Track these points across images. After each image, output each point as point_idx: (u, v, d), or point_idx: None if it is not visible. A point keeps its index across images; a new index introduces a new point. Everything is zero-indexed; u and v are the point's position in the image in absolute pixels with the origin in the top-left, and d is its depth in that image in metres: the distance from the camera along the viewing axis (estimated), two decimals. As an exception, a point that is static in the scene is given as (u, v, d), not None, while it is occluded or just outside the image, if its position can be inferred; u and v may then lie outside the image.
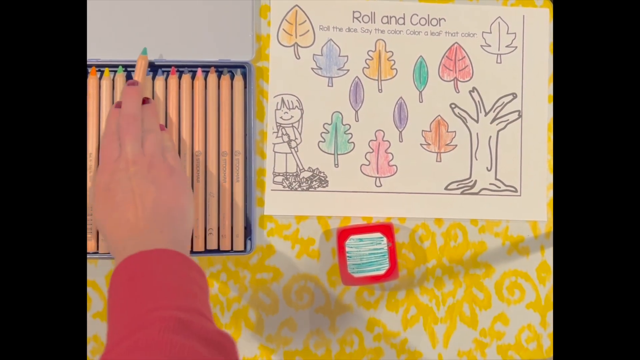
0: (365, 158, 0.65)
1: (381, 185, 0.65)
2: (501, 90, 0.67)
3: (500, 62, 0.67)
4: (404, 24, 0.66)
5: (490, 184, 0.66)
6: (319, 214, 0.65)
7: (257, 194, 0.64)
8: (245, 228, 0.62)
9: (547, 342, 0.66)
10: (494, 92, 0.67)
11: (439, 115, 0.66)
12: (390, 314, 0.65)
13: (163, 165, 0.55)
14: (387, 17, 0.66)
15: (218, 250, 0.62)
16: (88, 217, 0.59)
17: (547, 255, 0.66)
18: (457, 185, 0.66)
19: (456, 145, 0.66)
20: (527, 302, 0.66)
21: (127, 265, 0.50)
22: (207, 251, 0.62)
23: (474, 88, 0.66)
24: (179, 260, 0.51)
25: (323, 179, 0.65)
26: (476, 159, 0.66)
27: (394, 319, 0.65)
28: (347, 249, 0.61)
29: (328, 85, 0.66)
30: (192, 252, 0.61)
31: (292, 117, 0.65)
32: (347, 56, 0.66)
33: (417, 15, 0.66)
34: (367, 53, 0.66)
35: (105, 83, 0.61)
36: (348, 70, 0.66)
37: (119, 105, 0.58)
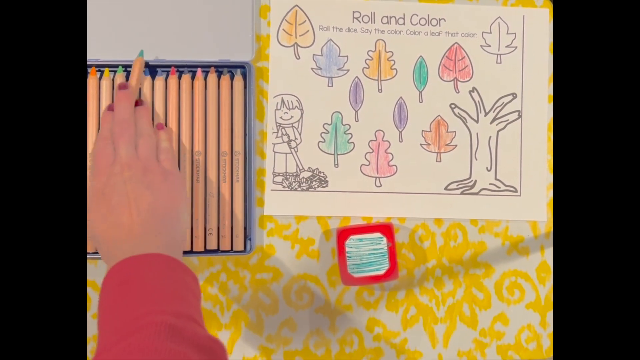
0: (365, 158, 0.65)
1: (381, 185, 0.65)
2: (501, 90, 0.67)
3: (500, 62, 0.67)
4: (404, 24, 0.66)
5: (490, 184, 0.66)
6: (318, 214, 0.65)
7: (257, 194, 0.64)
8: (245, 228, 0.62)
9: (547, 342, 0.66)
10: (494, 92, 0.67)
11: (439, 115, 0.66)
12: (390, 314, 0.65)
13: (158, 169, 0.55)
14: (387, 17, 0.66)
15: (218, 250, 0.62)
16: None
17: (547, 255, 0.66)
18: (457, 185, 0.66)
19: (456, 145, 0.66)
20: (527, 302, 0.66)
21: (121, 269, 0.50)
22: (207, 251, 0.62)
23: (473, 88, 0.66)
24: (172, 265, 0.51)
25: (323, 179, 0.65)
26: (476, 159, 0.66)
27: (394, 319, 0.65)
28: (347, 249, 0.61)
29: (328, 85, 0.66)
30: (192, 252, 0.61)
31: (292, 117, 0.65)
32: (347, 56, 0.66)
33: (417, 15, 0.66)
34: (367, 53, 0.66)
35: (105, 83, 0.61)
36: (348, 70, 0.66)
37: (111, 108, 0.58)
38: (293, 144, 0.65)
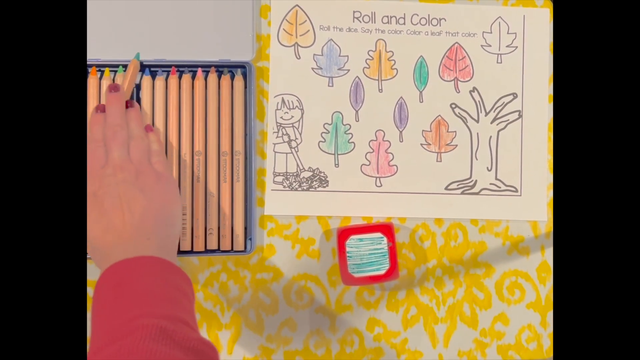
0: (366, 158, 0.65)
1: (381, 185, 0.65)
2: (501, 90, 0.67)
3: (501, 62, 0.67)
4: (404, 24, 0.66)
5: (491, 184, 0.66)
6: (319, 214, 0.65)
7: (257, 194, 0.64)
8: (246, 228, 0.62)
9: (547, 342, 0.66)
10: (494, 92, 0.67)
11: (439, 115, 0.66)
12: (390, 314, 0.65)
13: (151, 171, 0.55)
14: (387, 17, 0.66)
15: (218, 250, 0.62)
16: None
17: (547, 255, 0.66)
18: (458, 185, 0.66)
19: (456, 145, 0.66)
20: (527, 302, 0.66)
21: (114, 271, 0.50)
22: (207, 251, 0.62)
23: (474, 88, 0.66)
24: (165, 267, 0.51)
25: (323, 179, 0.65)
26: (476, 159, 0.66)
27: (394, 319, 0.65)
28: (347, 249, 0.61)
29: (328, 85, 0.66)
30: (192, 252, 0.61)
31: (292, 117, 0.65)
32: (348, 56, 0.66)
33: (418, 15, 0.66)
34: (368, 53, 0.66)
35: (105, 83, 0.61)
36: (348, 70, 0.66)
37: (99, 109, 0.58)
38: (293, 144, 0.65)
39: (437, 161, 0.66)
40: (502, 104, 0.67)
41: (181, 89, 0.62)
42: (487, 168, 0.66)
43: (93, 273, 0.63)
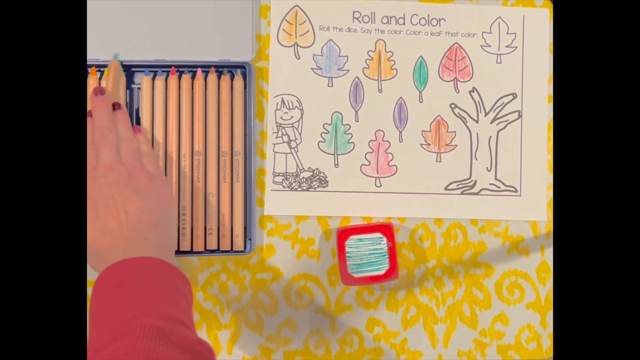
0: (365, 158, 0.65)
1: (381, 185, 0.65)
2: (501, 90, 0.67)
3: (500, 62, 0.67)
4: (404, 24, 0.66)
5: (490, 184, 0.66)
6: (319, 214, 0.65)
7: (257, 194, 0.64)
8: (245, 228, 0.62)
9: (547, 342, 0.66)
10: (494, 92, 0.67)
11: (439, 115, 0.66)
12: (390, 314, 0.65)
13: (142, 172, 0.55)
14: (387, 17, 0.66)
15: (218, 250, 0.62)
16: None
17: (547, 255, 0.66)
18: (457, 185, 0.66)
19: (456, 146, 0.66)
20: (527, 302, 0.66)
21: (113, 271, 0.50)
22: (207, 251, 0.62)
23: (474, 88, 0.66)
24: (163, 268, 0.51)
25: (323, 179, 0.65)
26: (476, 159, 0.66)
27: (394, 319, 0.65)
28: (347, 249, 0.61)
29: (328, 86, 0.66)
30: (192, 252, 0.61)
31: (292, 117, 0.65)
32: (347, 56, 0.66)
33: (417, 15, 0.66)
34: (367, 53, 0.66)
35: (107, 83, 0.61)
36: (348, 70, 0.66)
37: (90, 113, 0.58)
38: (293, 144, 0.65)
39: (436, 161, 0.66)
40: (501, 104, 0.67)
41: (181, 89, 0.62)
42: (487, 168, 0.66)
43: (93, 273, 0.63)
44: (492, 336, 0.66)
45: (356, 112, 0.66)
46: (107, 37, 0.62)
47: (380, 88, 0.66)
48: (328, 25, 0.66)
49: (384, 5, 0.66)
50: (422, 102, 0.66)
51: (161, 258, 0.52)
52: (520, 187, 0.66)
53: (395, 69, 0.66)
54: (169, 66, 0.62)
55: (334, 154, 0.65)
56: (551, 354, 0.66)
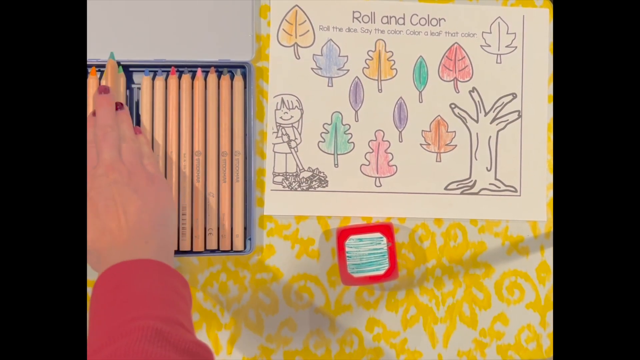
0: (365, 158, 0.65)
1: (381, 185, 0.65)
2: (501, 90, 0.67)
3: (500, 62, 0.67)
4: (404, 24, 0.66)
5: (490, 184, 0.66)
6: (318, 214, 0.65)
7: (257, 194, 0.64)
8: (245, 228, 0.62)
9: (547, 342, 0.66)
10: (494, 92, 0.67)
11: (439, 115, 0.66)
12: (390, 314, 0.65)
13: (143, 173, 0.55)
14: (387, 17, 0.66)
15: (218, 250, 0.62)
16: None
17: (547, 255, 0.66)
18: (457, 185, 0.66)
19: (456, 145, 0.66)
20: (526, 302, 0.66)
21: (113, 273, 0.50)
22: (207, 251, 0.62)
23: (473, 88, 0.66)
24: (162, 270, 0.51)
25: (323, 179, 0.65)
26: (476, 159, 0.66)
27: (394, 319, 0.65)
28: (347, 249, 0.61)
29: (328, 85, 0.66)
30: (192, 252, 0.61)
31: (292, 117, 0.65)
32: (347, 56, 0.66)
33: (417, 15, 0.66)
34: (367, 53, 0.66)
35: (105, 83, 0.61)
36: (348, 70, 0.66)
37: (94, 112, 0.58)
38: (293, 144, 0.65)
39: (436, 161, 0.66)
40: (501, 104, 0.67)
41: (181, 89, 0.62)
42: (487, 168, 0.66)
43: (93, 273, 0.63)
44: (492, 336, 0.66)
45: (356, 112, 0.66)
46: (107, 37, 0.62)
47: (380, 88, 0.66)
48: (328, 25, 0.66)
49: (384, 5, 0.66)
50: (422, 102, 0.66)
51: (160, 260, 0.52)
52: (520, 187, 0.66)
53: (395, 69, 0.66)
54: (169, 66, 0.62)
55: (333, 154, 0.65)
56: (551, 354, 0.66)
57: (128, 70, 0.63)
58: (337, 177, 0.65)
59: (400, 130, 0.66)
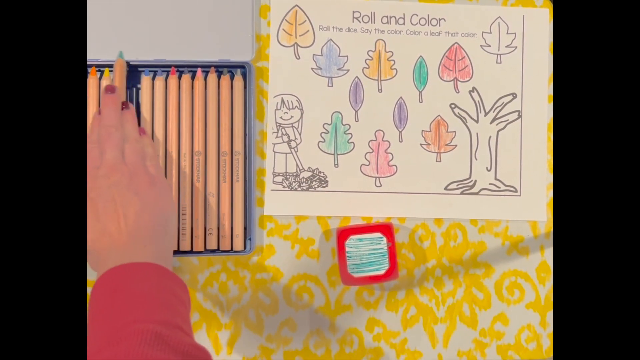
0: (365, 158, 0.65)
1: (381, 185, 0.65)
2: (501, 90, 0.67)
3: (500, 62, 0.67)
4: (403, 24, 0.66)
5: (490, 184, 0.66)
6: (318, 214, 0.65)
7: (257, 194, 0.64)
8: (245, 228, 0.62)
9: (547, 342, 0.66)
10: (494, 92, 0.67)
11: (439, 115, 0.66)
12: (390, 314, 0.65)
13: (144, 174, 0.55)
14: (387, 17, 0.66)
15: (218, 250, 0.62)
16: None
17: (547, 255, 0.66)
18: (457, 185, 0.66)
19: (456, 145, 0.66)
20: (526, 302, 0.66)
21: (111, 276, 0.50)
22: (207, 251, 0.62)
23: (473, 88, 0.66)
24: (161, 273, 0.51)
25: (323, 179, 0.65)
26: (476, 159, 0.66)
27: (394, 319, 0.65)
28: (347, 249, 0.61)
29: (328, 85, 0.66)
30: (192, 252, 0.61)
31: (292, 117, 0.65)
32: (347, 56, 0.66)
33: (417, 15, 0.66)
34: (367, 53, 0.66)
35: (105, 83, 0.61)
36: (348, 70, 0.66)
37: (100, 111, 0.58)
38: (293, 144, 0.65)
39: (436, 161, 0.66)
40: (501, 104, 0.67)
41: (181, 89, 0.62)
42: (487, 168, 0.66)
43: (93, 273, 0.63)
44: (491, 336, 0.66)
45: (356, 112, 0.66)
46: (107, 37, 0.62)
47: (380, 88, 0.66)
48: (328, 25, 0.66)
49: (384, 5, 0.66)
50: (422, 102, 0.66)
51: (159, 263, 0.52)
52: (520, 187, 0.66)
53: (395, 69, 0.66)
54: (169, 66, 0.62)
55: (333, 154, 0.65)
56: (551, 354, 0.66)
57: (130, 70, 0.63)
58: (337, 177, 0.65)
59: (400, 130, 0.66)
